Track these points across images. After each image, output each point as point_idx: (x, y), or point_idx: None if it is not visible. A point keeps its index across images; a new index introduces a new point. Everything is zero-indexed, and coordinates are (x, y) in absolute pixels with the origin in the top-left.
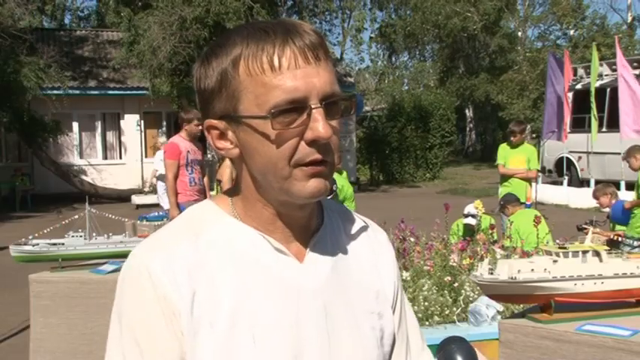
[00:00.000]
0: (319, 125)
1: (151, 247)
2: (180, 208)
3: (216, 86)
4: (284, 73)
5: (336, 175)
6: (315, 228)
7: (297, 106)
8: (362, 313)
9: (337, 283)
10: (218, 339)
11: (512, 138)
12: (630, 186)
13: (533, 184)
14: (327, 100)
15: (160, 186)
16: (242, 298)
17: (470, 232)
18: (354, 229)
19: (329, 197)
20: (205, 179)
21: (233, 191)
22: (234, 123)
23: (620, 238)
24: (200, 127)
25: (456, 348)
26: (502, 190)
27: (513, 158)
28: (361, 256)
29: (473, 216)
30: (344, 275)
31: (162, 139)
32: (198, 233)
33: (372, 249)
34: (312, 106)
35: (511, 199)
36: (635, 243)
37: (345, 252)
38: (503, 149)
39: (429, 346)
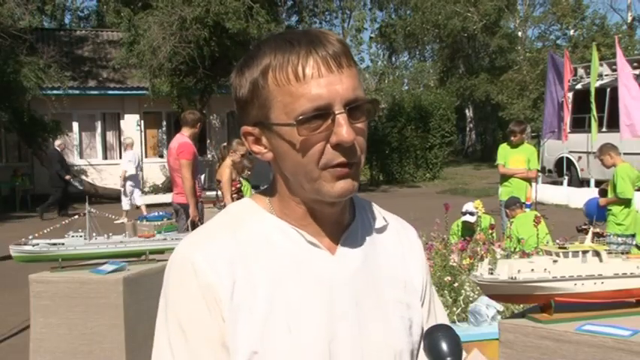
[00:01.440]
0: (343, 130)
1: (194, 241)
2: (183, 207)
3: (249, 95)
4: (308, 82)
5: None
6: (347, 223)
7: (321, 113)
8: (391, 302)
9: (367, 274)
10: (256, 325)
11: (512, 138)
12: None
13: (533, 184)
14: (351, 105)
15: (129, 185)
16: (277, 288)
17: (469, 230)
18: (384, 225)
19: None
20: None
21: (270, 191)
22: (267, 129)
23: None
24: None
25: (441, 335)
26: (502, 190)
27: (513, 158)
28: (390, 249)
29: (471, 213)
30: (374, 267)
31: (130, 140)
32: (238, 228)
33: (400, 243)
34: (336, 112)
35: (511, 203)
36: (620, 240)
37: (374, 245)
38: (503, 149)
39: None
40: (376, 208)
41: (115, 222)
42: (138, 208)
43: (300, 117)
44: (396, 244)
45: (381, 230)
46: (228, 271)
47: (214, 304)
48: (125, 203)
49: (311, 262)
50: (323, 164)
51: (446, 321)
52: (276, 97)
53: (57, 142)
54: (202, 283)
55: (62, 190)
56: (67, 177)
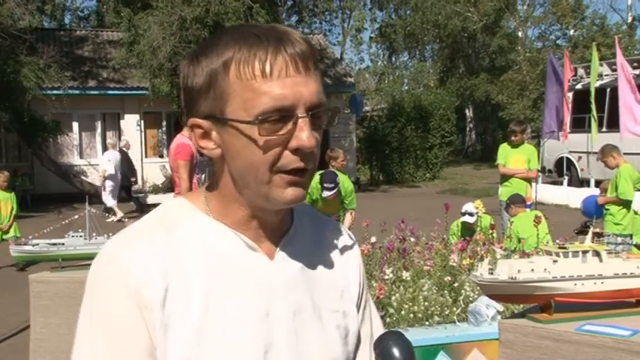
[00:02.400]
0: (304, 135)
1: (124, 242)
2: None
3: (204, 85)
4: (274, 81)
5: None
6: (285, 228)
7: (283, 115)
8: (328, 311)
9: (305, 281)
10: (188, 334)
11: (513, 138)
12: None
13: (533, 184)
14: (314, 110)
15: (108, 185)
16: (213, 293)
17: (469, 230)
18: (322, 230)
19: (334, 190)
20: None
21: (208, 189)
22: (220, 124)
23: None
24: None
25: (392, 343)
26: (502, 190)
27: (513, 158)
28: (328, 255)
29: (470, 214)
30: (311, 274)
31: (111, 140)
32: (170, 229)
33: (338, 249)
34: (299, 115)
35: (517, 200)
36: (619, 240)
37: (312, 251)
38: (504, 149)
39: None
40: (315, 213)
41: (107, 220)
42: (109, 209)
43: (261, 116)
44: (334, 250)
45: (319, 236)
46: (160, 273)
47: (144, 311)
48: (108, 200)
49: (249, 267)
50: (277, 168)
51: (380, 327)
52: (235, 91)
53: (121, 143)
54: (132, 287)
55: (127, 190)
56: (133, 179)
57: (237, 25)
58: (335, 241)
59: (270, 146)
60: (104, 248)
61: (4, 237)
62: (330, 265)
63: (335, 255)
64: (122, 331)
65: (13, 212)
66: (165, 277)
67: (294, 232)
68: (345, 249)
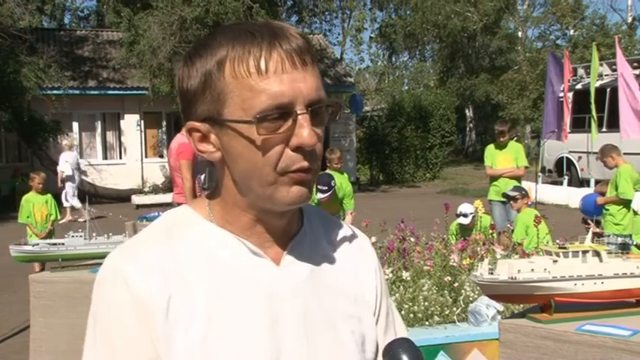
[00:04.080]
0: (304, 132)
1: (127, 252)
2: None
3: (199, 88)
4: (270, 78)
5: (335, 174)
6: (294, 232)
7: (282, 112)
8: (340, 316)
9: (315, 286)
10: (193, 344)
11: (501, 138)
12: None
13: (533, 183)
14: (313, 106)
15: (69, 187)
16: (217, 303)
17: (467, 231)
18: (335, 234)
19: (328, 193)
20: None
21: (211, 195)
22: (218, 126)
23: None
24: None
25: (402, 350)
26: (491, 189)
27: (501, 158)
28: (340, 260)
29: (464, 215)
30: (322, 278)
31: (67, 141)
32: (175, 238)
33: (352, 254)
34: (298, 112)
35: (519, 191)
36: (620, 240)
37: (323, 256)
38: (490, 150)
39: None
40: (327, 216)
41: (61, 222)
42: (73, 209)
43: (259, 115)
44: (347, 254)
45: (331, 240)
46: (163, 284)
47: (149, 322)
48: (72, 201)
49: (254, 274)
50: (281, 168)
51: (405, 335)
52: (232, 91)
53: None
54: (136, 299)
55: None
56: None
57: (230, 23)
58: (349, 246)
59: (270, 146)
60: (108, 259)
61: None
62: (342, 269)
63: (348, 258)
64: (126, 342)
65: (51, 218)
66: (167, 288)
67: (303, 235)
68: (359, 253)
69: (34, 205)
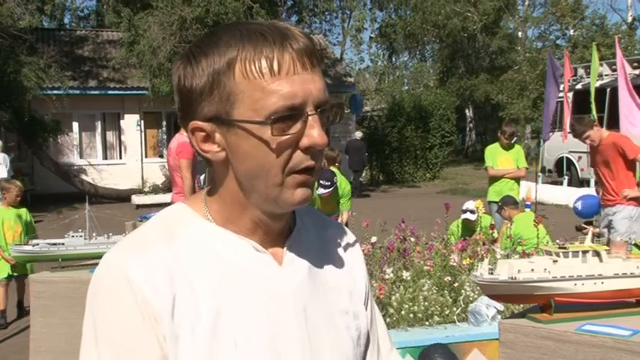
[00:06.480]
0: (315, 132)
1: (126, 251)
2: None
3: (206, 87)
4: (282, 79)
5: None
6: (288, 231)
7: (293, 113)
8: (338, 313)
9: (314, 283)
10: (200, 344)
11: (505, 140)
12: None
13: (533, 184)
14: (322, 107)
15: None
16: (222, 302)
17: (469, 230)
18: (325, 231)
19: (330, 189)
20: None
21: (209, 193)
22: (225, 126)
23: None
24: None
25: (438, 356)
26: (490, 190)
27: (502, 158)
28: (333, 256)
29: (472, 211)
30: (319, 276)
31: None
32: (174, 236)
33: (342, 249)
34: (309, 113)
35: (509, 202)
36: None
37: (318, 253)
38: (492, 151)
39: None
40: (315, 213)
41: None
42: None
43: (273, 115)
44: (338, 249)
45: (322, 236)
46: (167, 284)
47: (153, 322)
48: None
49: (258, 273)
50: (290, 169)
51: (383, 326)
52: (243, 92)
53: (358, 133)
54: (139, 299)
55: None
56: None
57: (232, 22)
58: (339, 240)
59: (282, 147)
60: (105, 259)
61: (15, 272)
62: (336, 265)
63: (340, 254)
64: (132, 346)
65: (24, 238)
66: (171, 287)
67: (298, 233)
68: (349, 248)
69: (2, 222)
